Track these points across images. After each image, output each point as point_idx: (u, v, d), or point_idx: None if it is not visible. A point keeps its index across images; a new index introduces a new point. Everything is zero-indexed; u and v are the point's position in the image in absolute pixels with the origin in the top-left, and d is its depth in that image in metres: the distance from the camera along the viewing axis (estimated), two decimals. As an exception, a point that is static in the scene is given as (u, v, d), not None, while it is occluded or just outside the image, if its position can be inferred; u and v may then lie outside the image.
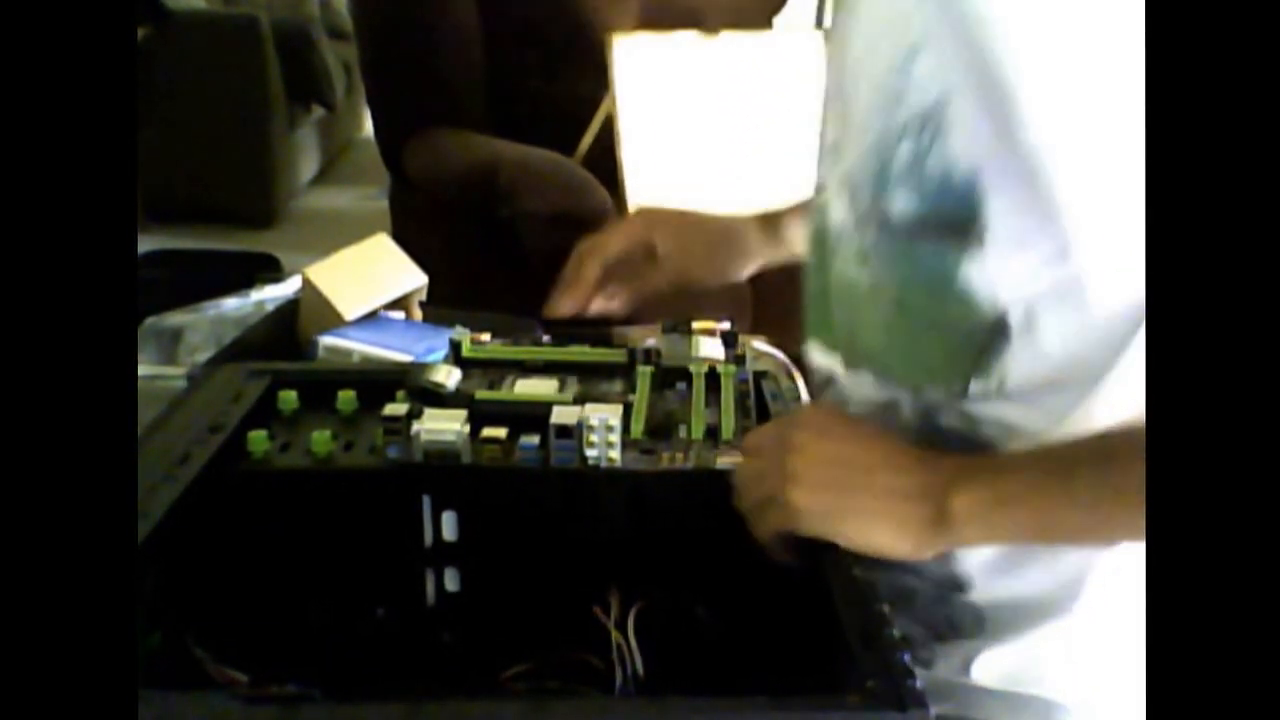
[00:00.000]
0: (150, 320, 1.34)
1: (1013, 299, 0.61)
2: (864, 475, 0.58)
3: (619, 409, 0.67)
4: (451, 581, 0.69)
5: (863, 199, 0.66)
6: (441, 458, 0.65)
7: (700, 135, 2.03)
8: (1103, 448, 0.55)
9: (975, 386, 0.64)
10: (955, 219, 0.60)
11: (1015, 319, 0.61)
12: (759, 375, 0.79)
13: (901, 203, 0.62)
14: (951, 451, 0.62)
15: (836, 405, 0.71)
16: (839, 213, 0.70)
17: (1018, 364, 0.62)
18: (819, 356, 0.76)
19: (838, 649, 0.52)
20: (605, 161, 1.97)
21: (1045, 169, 0.56)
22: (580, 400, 0.69)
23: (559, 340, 0.79)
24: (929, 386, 0.66)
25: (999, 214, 0.59)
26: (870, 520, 0.57)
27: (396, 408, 0.67)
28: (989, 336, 0.62)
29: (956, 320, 0.63)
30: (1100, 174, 0.55)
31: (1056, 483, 0.55)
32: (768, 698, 0.48)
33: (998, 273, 0.60)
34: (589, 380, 0.74)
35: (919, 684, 0.49)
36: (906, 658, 0.50)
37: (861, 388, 0.70)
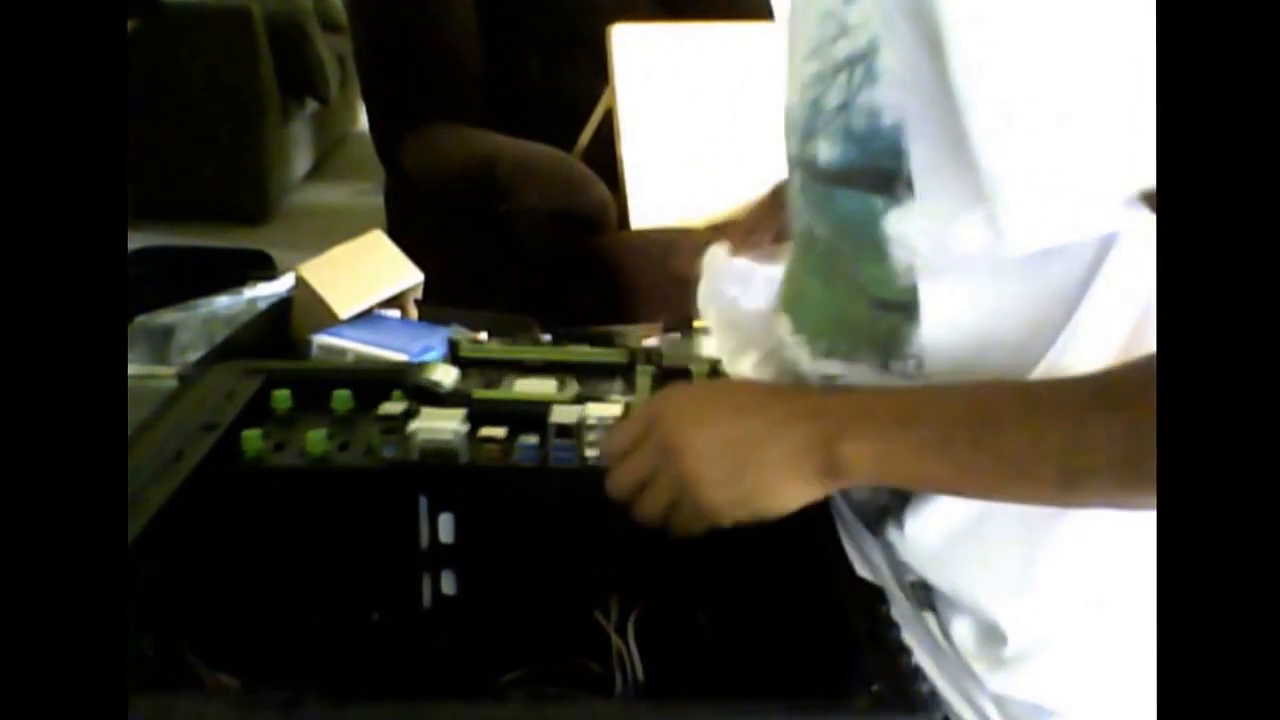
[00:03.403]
0: (140, 319, 1.33)
1: (928, 266, 0.59)
2: (758, 450, 0.57)
3: (619, 409, 0.66)
4: (448, 584, 0.68)
5: (794, 142, 0.64)
6: (438, 457, 0.65)
7: (701, 128, 2.02)
8: (984, 412, 0.54)
9: (895, 364, 0.62)
10: (879, 170, 0.58)
11: (929, 290, 0.59)
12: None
13: (827, 149, 0.60)
14: (845, 391, 0.60)
15: (689, 383, 0.69)
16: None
17: (935, 341, 0.61)
18: (781, 325, 0.74)
19: (843, 652, 0.52)
20: (605, 156, 1.96)
21: (970, 122, 0.52)
22: (580, 400, 0.68)
23: (558, 340, 0.78)
24: (859, 358, 0.64)
25: (921, 168, 0.57)
26: (776, 488, 0.57)
27: (393, 406, 0.67)
28: (904, 309, 0.61)
29: (875, 283, 0.61)
30: (1029, 131, 0.51)
31: (936, 445, 0.54)
32: (772, 702, 0.47)
33: (916, 234, 0.58)
34: (589, 380, 0.74)
35: (926, 687, 0.48)
36: (914, 660, 0.50)
37: (804, 360, 0.69)
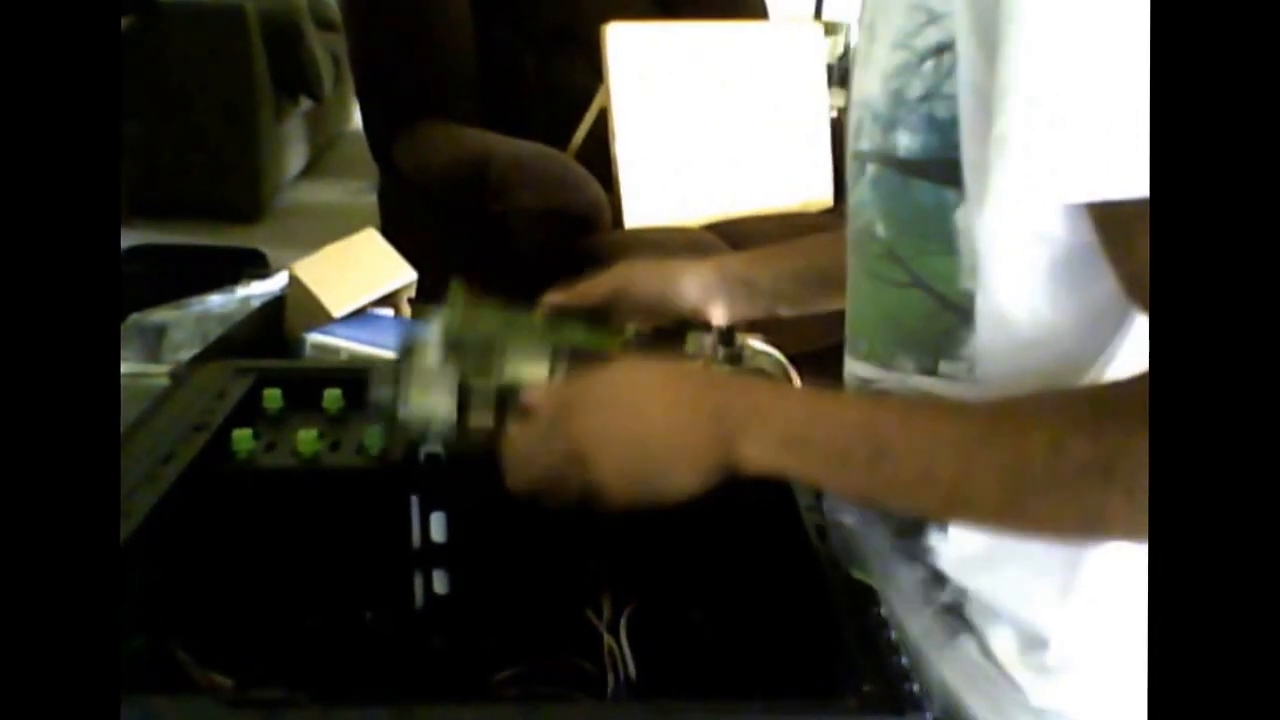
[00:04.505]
0: (134, 317, 1.33)
1: (986, 265, 0.59)
2: (659, 445, 0.58)
3: None
4: (440, 584, 0.68)
5: (872, 134, 0.64)
6: (425, 433, 0.64)
7: (695, 128, 2.02)
8: (879, 438, 0.55)
9: (945, 365, 0.63)
10: (957, 161, 0.58)
11: (986, 291, 0.59)
12: (754, 373, 0.78)
13: (908, 139, 0.61)
14: (748, 390, 0.60)
15: (594, 371, 0.68)
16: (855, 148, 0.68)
17: (989, 344, 0.61)
18: (858, 369, 0.73)
19: (834, 652, 0.52)
20: (599, 155, 1.96)
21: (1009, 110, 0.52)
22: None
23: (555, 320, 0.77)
24: (902, 359, 0.65)
25: (969, 165, 0.57)
26: (674, 479, 0.58)
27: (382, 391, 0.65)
28: (963, 309, 0.61)
29: (940, 279, 0.61)
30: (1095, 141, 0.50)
31: (830, 464, 0.55)
32: (763, 701, 0.47)
33: (983, 233, 0.58)
34: (580, 364, 0.73)
35: (916, 688, 0.48)
36: (904, 661, 0.50)
37: (852, 367, 0.69)
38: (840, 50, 3.32)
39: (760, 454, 0.56)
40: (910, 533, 0.66)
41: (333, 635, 0.67)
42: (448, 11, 2.13)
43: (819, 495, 0.63)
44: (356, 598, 0.68)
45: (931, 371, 0.63)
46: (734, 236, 2.01)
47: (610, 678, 0.61)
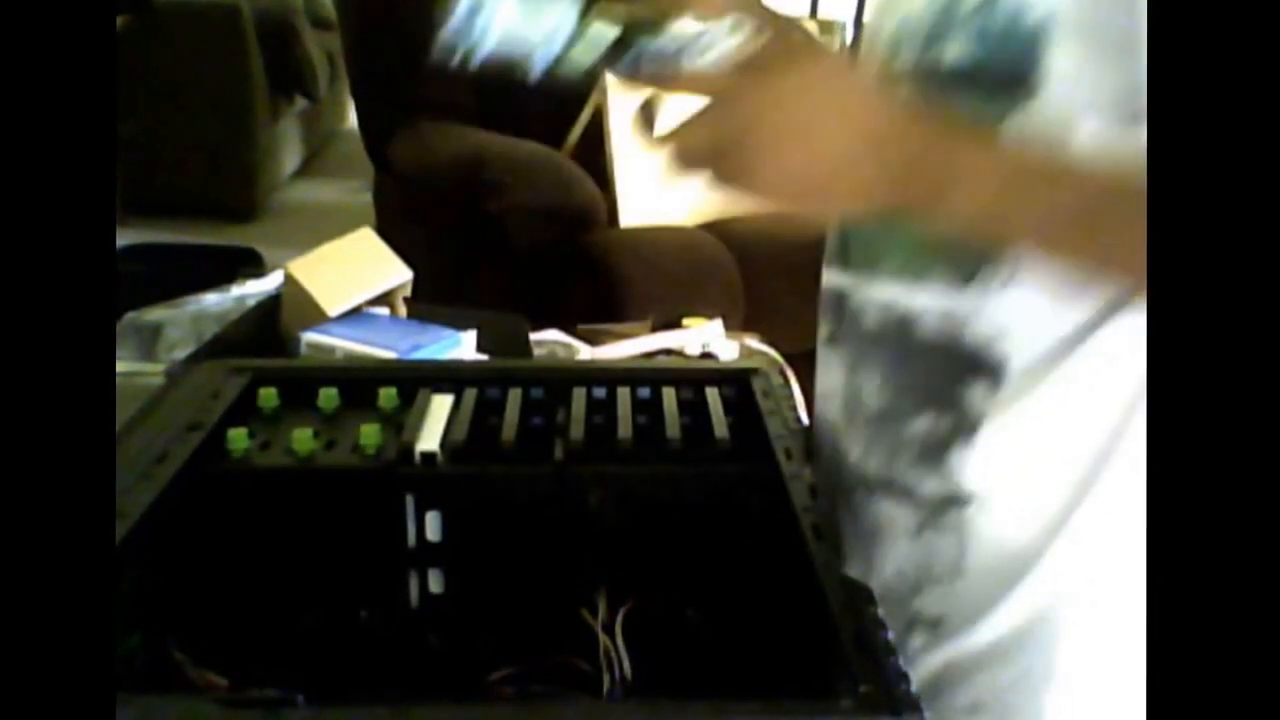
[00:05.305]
0: (129, 316, 1.33)
1: None
2: (839, 168, 0.53)
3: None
4: (436, 583, 0.68)
5: (910, 50, 0.64)
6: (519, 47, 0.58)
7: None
8: (1096, 203, 0.52)
9: (986, 272, 0.62)
10: (1006, 71, 0.58)
11: None
12: (749, 372, 0.78)
13: (956, 49, 0.60)
14: (951, 138, 0.55)
15: (825, 55, 0.64)
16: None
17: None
18: (834, 278, 0.72)
19: (830, 652, 0.52)
20: (594, 154, 1.96)
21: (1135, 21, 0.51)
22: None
23: None
24: (937, 273, 0.63)
25: (1059, 70, 0.56)
26: (833, 205, 0.56)
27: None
28: None
29: None
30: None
31: (1042, 229, 0.53)
32: (758, 702, 0.47)
33: (1029, 136, 0.57)
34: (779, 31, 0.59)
35: (913, 689, 0.48)
36: (900, 661, 0.50)
37: (871, 302, 0.68)
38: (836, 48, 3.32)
39: (967, 206, 0.53)
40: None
41: (328, 634, 0.67)
42: (443, 9, 2.13)
43: (815, 494, 0.63)
44: (352, 597, 0.68)
45: (969, 280, 0.62)
46: (730, 235, 2.01)
47: (606, 677, 0.61)
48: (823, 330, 0.74)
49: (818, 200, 0.55)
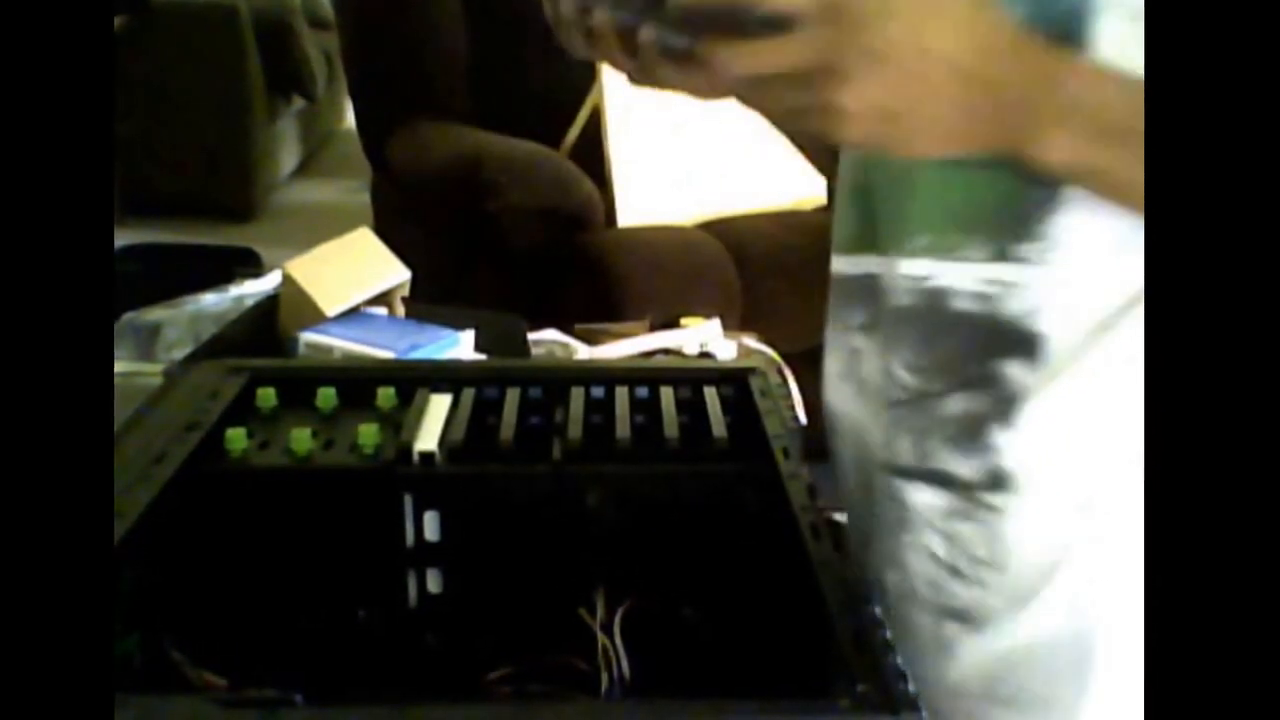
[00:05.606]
0: (127, 316, 1.33)
1: None
2: (932, 102, 0.49)
3: None
4: (434, 583, 0.68)
5: None
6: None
7: (689, 126, 2.02)
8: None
9: (1023, 248, 0.59)
10: (1052, 34, 0.53)
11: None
12: (747, 371, 0.78)
13: (1004, 6, 0.54)
14: (1055, 67, 0.52)
15: None
16: None
17: (1075, 227, 0.58)
18: (847, 264, 0.70)
19: (828, 651, 0.52)
20: (592, 153, 1.96)
21: None
22: None
23: None
24: (970, 247, 0.61)
25: (1108, 35, 0.53)
26: (925, 141, 0.51)
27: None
28: (1042, 184, 0.56)
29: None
30: None
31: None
32: (756, 701, 0.47)
33: None
34: None
35: (911, 688, 0.48)
36: (899, 661, 0.50)
37: (901, 280, 0.65)
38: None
39: (1065, 151, 0.50)
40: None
41: (326, 634, 0.67)
42: (440, 11, 2.13)
43: (813, 494, 0.63)
44: (350, 597, 0.68)
45: (1003, 256, 0.60)
46: (728, 235, 2.01)
47: (604, 677, 0.61)
48: (847, 319, 0.72)
49: (901, 137, 0.51)
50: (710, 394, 0.75)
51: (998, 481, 0.64)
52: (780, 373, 0.79)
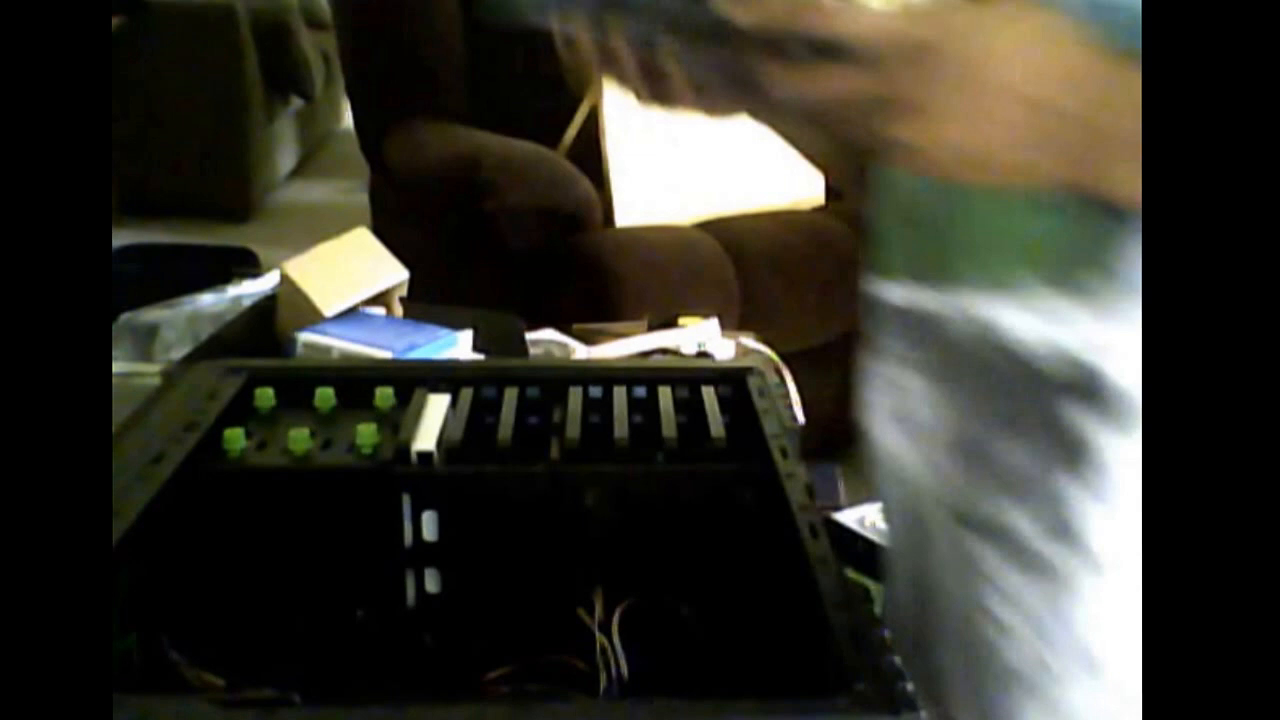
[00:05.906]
0: (125, 316, 1.32)
1: None
2: (1009, 137, 0.48)
3: None
4: (432, 582, 0.68)
5: None
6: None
7: (687, 126, 2.02)
8: None
9: (1080, 273, 0.55)
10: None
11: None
12: (745, 371, 0.78)
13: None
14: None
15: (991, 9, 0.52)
16: None
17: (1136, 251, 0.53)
18: (894, 292, 0.66)
19: (826, 650, 0.52)
20: (590, 153, 1.96)
21: None
22: None
23: None
24: (1030, 278, 0.57)
25: None
26: (999, 175, 0.49)
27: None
28: (1112, 217, 0.53)
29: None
30: None
31: None
32: (755, 701, 0.47)
33: None
34: None
35: (909, 687, 0.48)
36: (897, 660, 0.50)
37: (951, 315, 0.61)
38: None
39: (1138, 183, 0.47)
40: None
41: (324, 634, 0.67)
42: (438, 10, 2.13)
43: (811, 493, 0.63)
44: (348, 596, 0.68)
45: (1062, 284, 0.56)
46: (726, 235, 2.01)
47: (602, 676, 0.61)
48: (894, 350, 0.66)
49: (971, 170, 0.49)
50: (708, 394, 0.75)
51: (1062, 535, 0.58)
52: (778, 372, 0.79)
